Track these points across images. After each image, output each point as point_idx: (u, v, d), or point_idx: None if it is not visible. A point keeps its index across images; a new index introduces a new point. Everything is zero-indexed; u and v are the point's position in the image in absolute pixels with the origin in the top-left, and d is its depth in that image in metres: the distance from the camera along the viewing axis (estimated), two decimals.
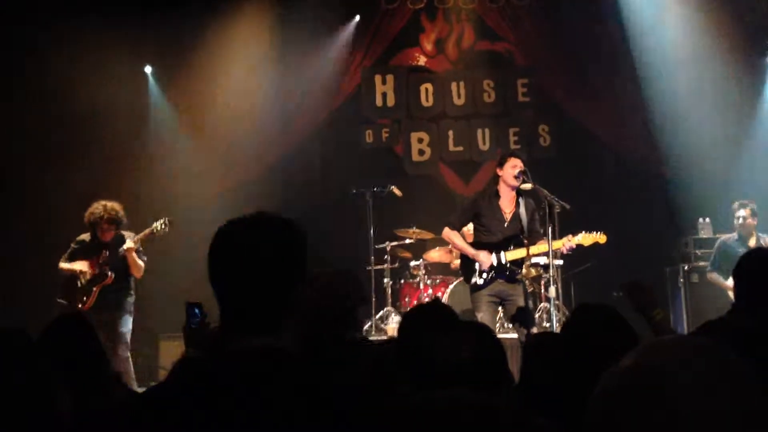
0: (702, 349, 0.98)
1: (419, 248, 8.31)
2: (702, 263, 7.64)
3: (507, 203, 6.00)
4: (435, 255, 8.16)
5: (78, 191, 6.47)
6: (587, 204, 7.41)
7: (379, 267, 8.04)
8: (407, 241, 8.19)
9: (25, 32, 8.01)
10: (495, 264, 5.90)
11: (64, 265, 6.26)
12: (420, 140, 9.49)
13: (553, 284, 5.83)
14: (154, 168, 8.48)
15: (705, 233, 7.98)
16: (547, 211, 5.70)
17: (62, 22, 7.83)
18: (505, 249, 5.91)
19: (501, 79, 9.51)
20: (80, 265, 6.21)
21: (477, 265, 5.95)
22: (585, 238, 5.99)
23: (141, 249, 6.29)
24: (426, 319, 2.77)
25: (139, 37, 8.42)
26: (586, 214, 6.59)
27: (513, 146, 9.31)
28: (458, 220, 6.22)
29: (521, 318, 5.73)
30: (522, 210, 5.96)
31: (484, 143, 9.48)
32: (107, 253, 6.22)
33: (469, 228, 6.46)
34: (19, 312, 6.75)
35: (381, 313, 7.95)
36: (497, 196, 6.02)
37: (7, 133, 8.20)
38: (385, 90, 9.51)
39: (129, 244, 6.16)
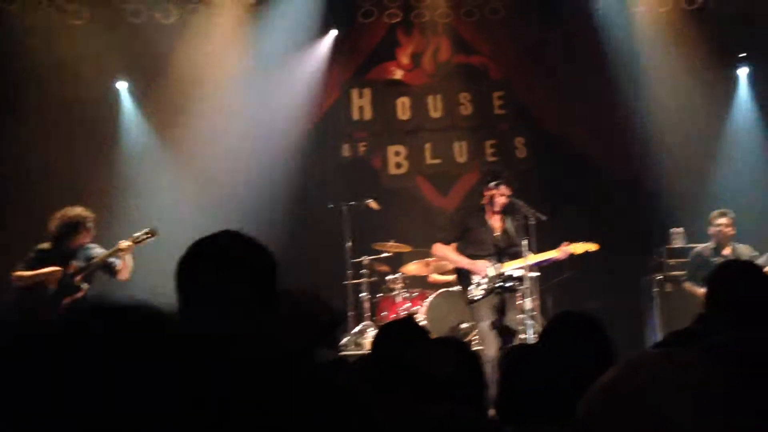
0: (684, 364, 0.98)
1: (397, 262, 8.30)
2: (676, 273, 7.72)
3: (495, 218, 6.14)
4: (412, 268, 8.16)
5: (46, 206, 6.33)
6: (563, 215, 7.47)
7: (356, 281, 8.02)
8: (384, 254, 8.18)
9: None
10: (491, 274, 5.99)
11: (26, 273, 5.89)
12: (397, 153, 9.51)
13: (530, 296, 5.89)
14: (126, 184, 8.41)
15: (678, 243, 8.06)
16: (524, 222, 5.80)
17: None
18: (498, 261, 6.01)
19: (477, 92, 9.56)
20: (49, 269, 5.90)
21: (474, 277, 6.01)
22: (577, 247, 6.14)
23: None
24: (400, 335, 2.78)
25: (112, 51, 8.36)
26: (563, 225, 6.65)
27: (490, 158, 9.38)
28: (449, 236, 6.31)
29: (503, 333, 5.82)
30: (509, 224, 6.09)
31: (461, 156, 9.51)
32: (76, 263, 6.02)
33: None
34: None
35: (359, 327, 7.92)
36: (484, 211, 6.16)
37: None
38: (361, 104, 9.52)
39: (126, 243, 6.02)
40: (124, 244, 6.04)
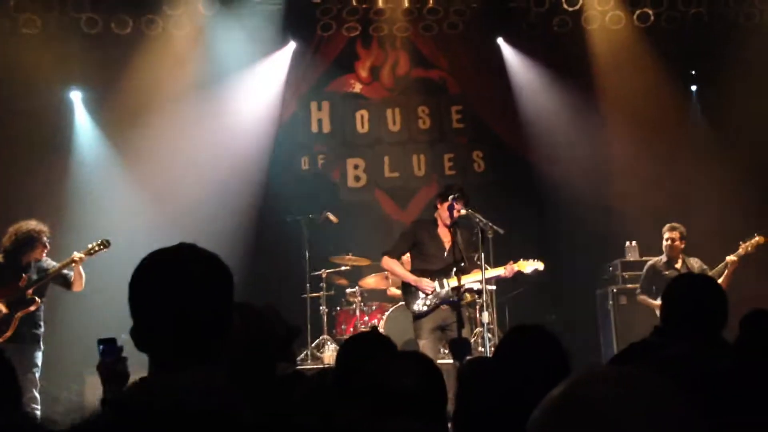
0: (633, 379, 0.99)
1: (355, 275, 8.28)
2: (630, 285, 7.84)
3: (446, 232, 6.14)
4: (371, 281, 8.15)
5: None
6: (521, 228, 7.55)
7: (314, 294, 7.98)
8: (343, 267, 8.15)
9: None
10: (438, 290, 5.99)
11: None
12: (356, 166, 9.51)
13: (486, 309, 5.92)
14: (80, 194, 8.24)
15: (632, 256, 8.20)
16: (480, 236, 5.83)
17: None
18: (447, 276, 6.02)
19: (435, 106, 9.63)
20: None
21: (420, 293, 6.02)
22: (523, 265, 6.16)
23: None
24: (365, 348, 2.77)
25: (66, 61, 8.21)
26: (520, 239, 6.72)
27: (448, 172, 9.43)
28: (397, 249, 6.31)
29: (455, 350, 5.82)
30: (459, 239, 6.11)
31: (420, 169, 9.56)
32: (27, 277, 5.94)
33: (406, 256, 6.53)
34: None
35: (317, 341, 7.87)
36: (436, 225, 6.17)
37: None
38: (320, 116, 9.51)
39: (79, 255, 5.97)
40: (78, 255, 5.99)
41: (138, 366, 1.61)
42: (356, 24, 8.96)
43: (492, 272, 6.10)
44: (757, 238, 6.92)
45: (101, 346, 2.51)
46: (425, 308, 6.01)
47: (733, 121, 8.73)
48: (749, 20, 8.73)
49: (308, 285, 7.94)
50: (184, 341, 1.54)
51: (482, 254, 5.86)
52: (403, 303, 7.60)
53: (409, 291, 6.17)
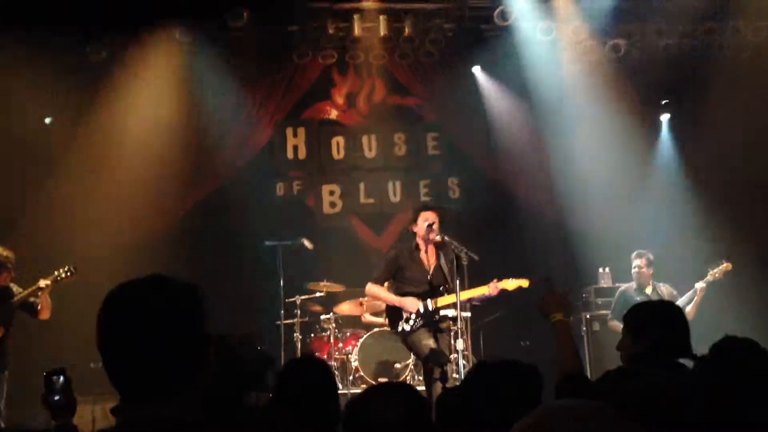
0: (592, 413, 1.00)
1: (330, 301, 8.24)
2: (603, 312, 7.90)
3: (427, 256, 6.16)
4: (345, 308, 8.12)
5: None
6: (495, 255, 7.57)
7: (289, 321, 7.92)
8: (318, 294, 8.12)
9: None
10: (422, 311, 6.00)
11: None
12: (331, 193, 9.52)
13: (461, 336, 5.92)
14: (53, 221, 8.13)
15: (605, 283, 8.26)
16: (455, 262, 5.85)
17: None
18: (430, 298, 6.02)
19: (411, 133, 9.70)
20: None
21: (404, 313, 6.03)
22: (508, 283, 6.17)
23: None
24: (303, 374, 2.75)
25: (40, 85, 8.14)
26: (494, 265, 6.74)
27: (423, 198, 9.46)
28: (381, 275, 6.32)
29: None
30: (443, 261, 6.13)
31: (395, 195, 9.59)
32: None
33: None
34: None
35: None
36: (418, 249, 6.19)
37: None
38: (296, 143, 9.53)
39: (45, 282, 5.88)
40: (44, 282, 5.86)
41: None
42: (333, 51, 9.02)
43: (477, 291, 6.08)
44: (725, 265, 7.02)
45: (51, 378, 2.46)
46: (409, 329, 6.01)
47: (703, 149, 8.89)
48: (720, 52, 8.92)
49: (282, 312, 7.89)
50: (155, 375, 1.51)
51: (457, 281, 5.87)
52: (377, 330, 7.63)
53: (393, 312, 6.17)
